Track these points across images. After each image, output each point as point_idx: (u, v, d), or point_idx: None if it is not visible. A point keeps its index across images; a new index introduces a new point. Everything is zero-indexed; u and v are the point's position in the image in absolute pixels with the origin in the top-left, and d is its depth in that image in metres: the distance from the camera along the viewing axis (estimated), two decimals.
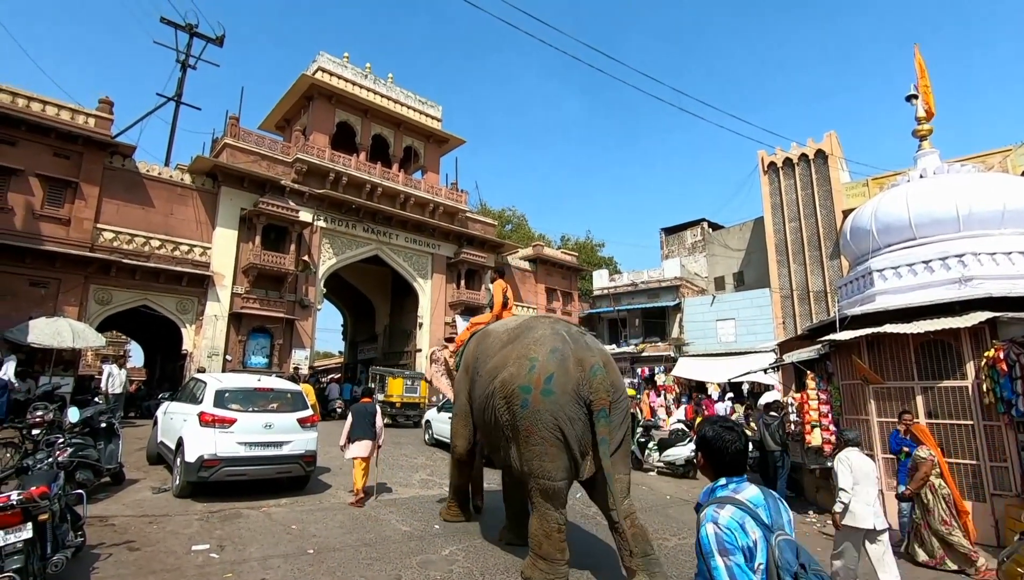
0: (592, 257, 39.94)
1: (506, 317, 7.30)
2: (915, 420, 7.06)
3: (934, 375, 7.64)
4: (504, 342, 5.73)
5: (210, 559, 5.37)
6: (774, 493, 2.00)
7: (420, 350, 22.01)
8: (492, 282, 8.04)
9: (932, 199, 8.78)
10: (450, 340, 18.95)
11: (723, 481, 1.97)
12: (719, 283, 29.72)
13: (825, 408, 8.65)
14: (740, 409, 17.13)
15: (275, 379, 9.77)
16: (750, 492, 1.91)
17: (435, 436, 13.67)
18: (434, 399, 16.99)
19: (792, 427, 9.20)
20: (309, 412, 8.33)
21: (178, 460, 7.61)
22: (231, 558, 5.42)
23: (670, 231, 33.59)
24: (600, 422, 4.77)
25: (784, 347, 11.53)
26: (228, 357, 16.75)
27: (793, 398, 9.22)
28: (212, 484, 7.40)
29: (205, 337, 16.65)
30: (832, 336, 8.24)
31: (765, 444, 9.47)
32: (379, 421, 8.27)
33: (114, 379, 13.31)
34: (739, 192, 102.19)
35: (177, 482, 7.59)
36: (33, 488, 4.21)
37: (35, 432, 7.14)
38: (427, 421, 14.35)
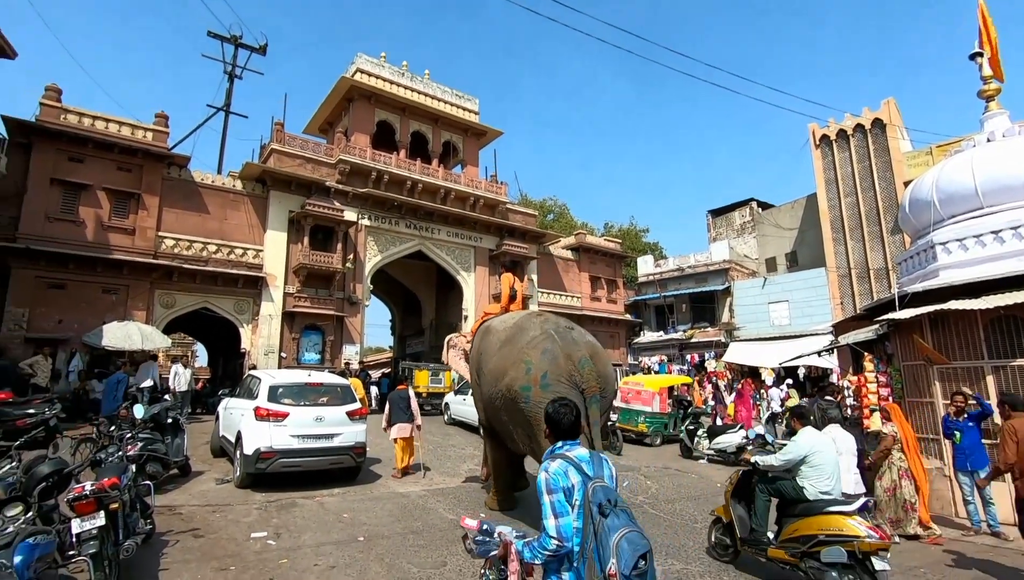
0: (636, 243, 39.23)
1: (513, 309, 7.93)
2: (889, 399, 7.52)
3: (1006, 353, 7.12)
4: (502, 341, 6.37)
5: (267, 546, 5.64)
6: (601, 454, 2.57)
7: None
8: (500, 276, 8.72)
9: (1001, 164, 8.13)
10: None
11: (560, 443, 2.52)
12: (770, 264, 28.63)
13: (885, 391, 8.21)
14: (796, 394, 16.36)
15: (325, 374, 10.12)
16: (578, 451, 2.46)
17: (453, 417, 14.98)
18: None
19: (848, 411, 8.78)
20: (357, 405, 8.60)
21: (238, 453, 8.02)
22: (287, 545, 5.68)
23: (717, 213, 32.59)
24: (592, 407, 5.32)
25: (840, 328, 11.00)
26: (283, 354, 17.46)
27: (850, 381, 8.79)
28: (269, 475, 7.76)
29: (261, 336, 17.42)
30: (891, 315, 7.80)
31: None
32: (414, 405, 9.19)
33: (180, 378, 14.12)
34: (789, 169, 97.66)
35: (237, 474, 8.00)
36: (105, 479, 4.54)
37: (112, 428, 7.69)
38: (446, 403, 15.90)
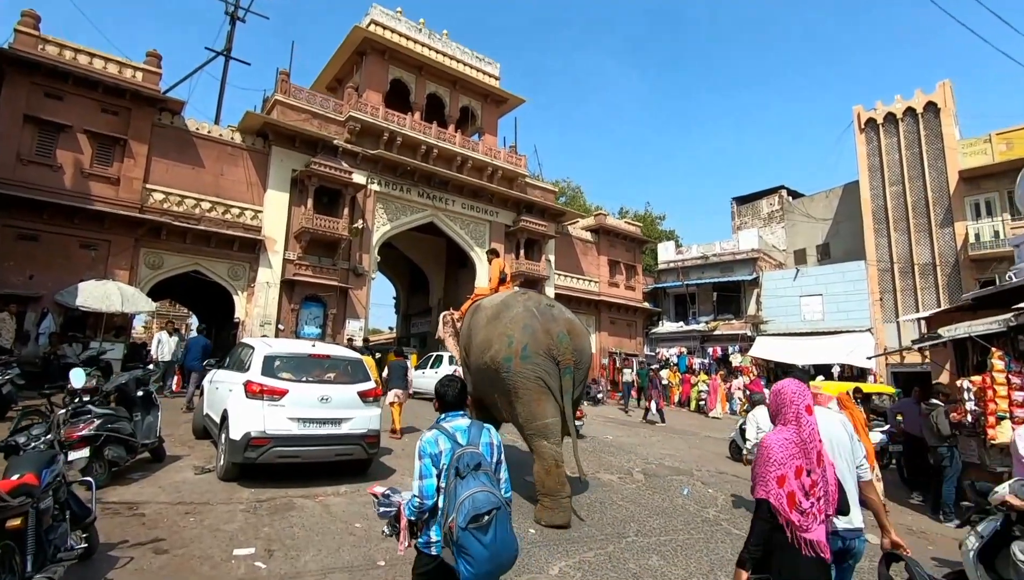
0: (652, 230, 37.56)
1: (503, 291, 7.98)
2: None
3: None
4: (489, 318, 6.71)
5: (255, 570, 4.12)
6: (483, 423, 2.77)
7: None
8: (490, 261, 9.01)
9: None
10: None
11: (442, 415, 2.77)
12: (799, 256, 27.08)
13: (1020, 395, 6.68)
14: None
15: (332, 346, 8.57)
16: (457, 422, 2.70)
17: (415, 389, 14.02)
18: None
19: (967, 418, 7.26)
20: (371, 384, 7.04)
21: (223, 436, 6.47)
22: (281, 570, 4.15)
23: (743, 201, 30.99)
24: (565, 377, 5.94)
25: (937, 321, 9.43)
26: (280, 326, 15.88)
27: (971, 382, 7.25)
28: (260, 466, 6.22)
29: (257, 305, 15.82)
30: None
31: (927, 439, 7.56)
32: (410, 373, 10.30)
33: (163, 347, 12.55)
34: (828, 155, 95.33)
35: (221, 462, 6.45)
36: (9, 479, 2.98)
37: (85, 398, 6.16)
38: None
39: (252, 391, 6.22)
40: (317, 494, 6.13)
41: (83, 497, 3.86)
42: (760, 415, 6.90)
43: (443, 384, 2.83)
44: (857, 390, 10.02)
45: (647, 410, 16.20)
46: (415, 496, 2.54)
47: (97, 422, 5.72)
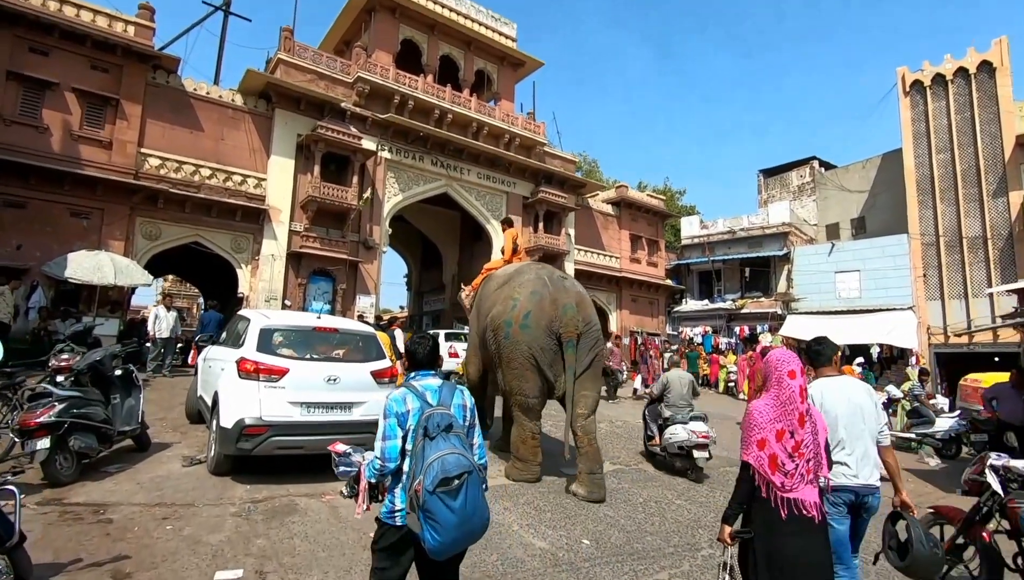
0: (672, 205, 36.09)
1: (516, 262, 7.91)
2: None
3: None
4: (500, 284, 6.63)
5: None
6: (455, 385, 2.57)
7: None
8: (504, 232, 8.99)
9: None
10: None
11: (413, 374, 2.58)
12: (831, 231, 25.65)
13: None
14: (913, 378, 12.95)
15: (342, 319, 7.57)
16: (427, 381, 2.52)
17: None
18: None
19: None
20: (387, 363, 6.02)
21: (214, 423, 5.50)
22: None
23: (770, 173, 29.47)
24: (568, 351, 5.70)
25: None
26: (287, 302, 14.94)
27: None
28: (257, 459, 5.26)
29: (262, 279, 14.86)
30: None
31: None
32: (400, 344, 9.71)
33: (161, 322, 11.64)
34: (863, 124, 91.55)
35: (212, 453, 5.50)
36: None
37: (60, 379, 5.24)
38: None
39: (246, 370, 5.23)
40: (324, 492, 5.16)
41: (6, 510, 2.88)
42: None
43: (414, 342, 2.67)
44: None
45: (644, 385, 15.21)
46: (376, 458, 2.40)
47: (59, 406, 4.76)
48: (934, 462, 9.15)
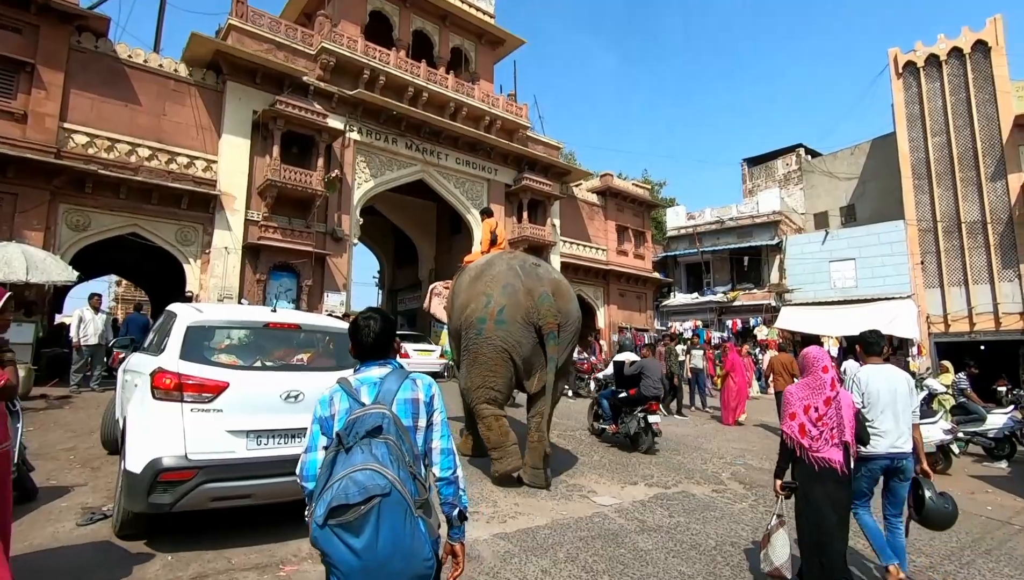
0: (653, 199, 35.15)
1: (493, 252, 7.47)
2: None
3: None
4: (472, 278, 6.37)
5: None
6: (411, 373, 1.96)
7: None
8: (482, 221, 8.56)
9: None
10: None
11: (359, 365, 1.99)
12: (820, 220, 24.97)
13: None
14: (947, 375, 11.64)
15: (304, 314, 5.96)
16: (368, 373, 1.92)
17: None
18: None
19: None
20: None
21: (121, 465, 3.83)
22: None
23: (754, 162, 28.71)
24: (550, 343, 5.62)
25: None
26: (244, 301, 13.08)
27: None
28: (181, 515, 3.63)
29: (214, 275, 12.96)
30: None
31: None
32: None
33: (87, 326, 9.69)
34: (852, 109, 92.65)
35: (118, 508, 3.83)
36: None
37: None
38: None
39: (164, 387, 3.59)
40: (283, 561, 3.56)
41: None
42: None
43: (356, 323, 1.98)
44: None
45: (679, 404, 12.25)
46: (296, 475, 1.85)
47: None
48: (1002, 465, 8.06)
